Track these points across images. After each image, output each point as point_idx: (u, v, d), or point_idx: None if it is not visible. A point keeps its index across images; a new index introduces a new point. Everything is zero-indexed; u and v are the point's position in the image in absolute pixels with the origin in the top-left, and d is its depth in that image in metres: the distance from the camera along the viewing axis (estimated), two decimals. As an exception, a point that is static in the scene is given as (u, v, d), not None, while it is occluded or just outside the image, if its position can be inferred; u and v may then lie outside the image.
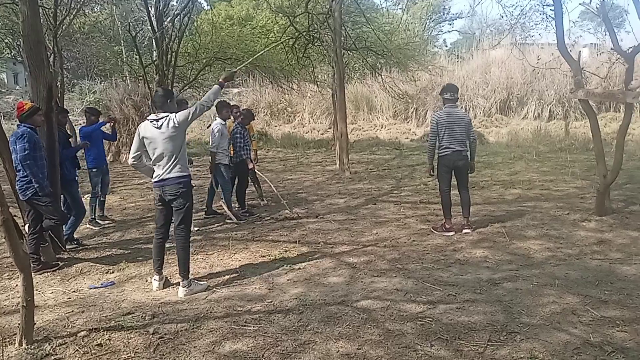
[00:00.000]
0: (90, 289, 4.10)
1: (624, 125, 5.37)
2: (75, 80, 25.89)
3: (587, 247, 4.71)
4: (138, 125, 5.95)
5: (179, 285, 3.92)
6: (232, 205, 6.59)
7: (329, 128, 19.19)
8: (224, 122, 6.43)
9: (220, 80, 4.07)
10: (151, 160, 3.88)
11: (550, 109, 19.08)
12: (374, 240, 5.20)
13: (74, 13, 13.26)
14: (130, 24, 12.77)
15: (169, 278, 4.17)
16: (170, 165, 3.81)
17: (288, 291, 3.81)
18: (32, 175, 4.32)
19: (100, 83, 24.02)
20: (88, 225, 6.33)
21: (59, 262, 4.68)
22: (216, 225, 6.27)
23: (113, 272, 4.48)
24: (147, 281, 4.18)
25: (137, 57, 12.07)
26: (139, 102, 14.94)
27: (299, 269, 4.32)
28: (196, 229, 5.99)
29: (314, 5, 12.46)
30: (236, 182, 6.82)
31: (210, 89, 4.04)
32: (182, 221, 3.93)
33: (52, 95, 4.73)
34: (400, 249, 4.84)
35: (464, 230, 5.37)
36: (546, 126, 16.49)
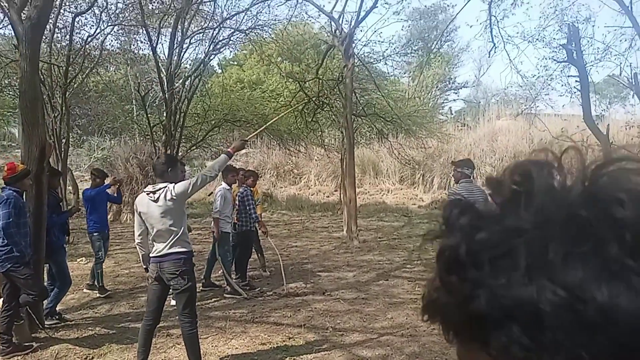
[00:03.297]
0: (63, 380, 3.55)
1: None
2: (85, 137, 26.11)
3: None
4: (141, 184, 5.58)
5: None
6: (232, 276, 6.09)
7: (335, 190, 18.90)
8: (229, 187, 6.06)
9: (228, 149, 3.72)
10: (150, 236, 3.48)
11: (559, 179, 18.81)
12: (390, 327, 4.64)
13: (86, 72, 13.38)
14: (140, 83, 12.78)
15: (155, 369, 3.63)
16: (170, 241, 3.40)
17: (292, 394, 3.26)
18: (13, 244, 3.90)
19: (110, 140, 24.17)
20: (98, 294, 5.86)
21: (33, 344, 4.14)
22: (213, 300, 5.74)
23: (93, 358, 3.92)
24: (129, 372, 3.63)
25: (145, 115, 11.99)
26: (144, 161, 14.79)
27: (305, 362, 3.77)
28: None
29: (324, 71, 12.53)
30: (237, 251, 6.37)
31: (217, 157, 3.67)
32: (186, 305, 3.47)
33: (44, 156, 4.39)
34: (419, 339, 4.28)
35: None
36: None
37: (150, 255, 3.48)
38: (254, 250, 6.96)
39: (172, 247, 3.39)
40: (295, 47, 22.82)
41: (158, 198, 3.38)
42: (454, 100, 38.66)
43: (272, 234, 11.26)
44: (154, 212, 3.39)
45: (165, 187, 3.39)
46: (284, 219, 14.47)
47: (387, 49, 13.83)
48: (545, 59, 6.38)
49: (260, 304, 5.51)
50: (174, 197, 3.37)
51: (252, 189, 6.50)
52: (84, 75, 13.42)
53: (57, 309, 4.96)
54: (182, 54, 12.32)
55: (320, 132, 15.29)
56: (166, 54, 12.18)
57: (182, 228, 3.44)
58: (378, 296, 5.76)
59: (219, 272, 6.54)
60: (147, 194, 3.43)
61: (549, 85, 6.97)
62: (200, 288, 6.17)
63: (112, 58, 16.56)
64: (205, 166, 26.58)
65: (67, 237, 5.00)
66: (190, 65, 14.89)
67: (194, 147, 15.59)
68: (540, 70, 6.98)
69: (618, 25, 5.61)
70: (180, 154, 13.55)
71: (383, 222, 13.41)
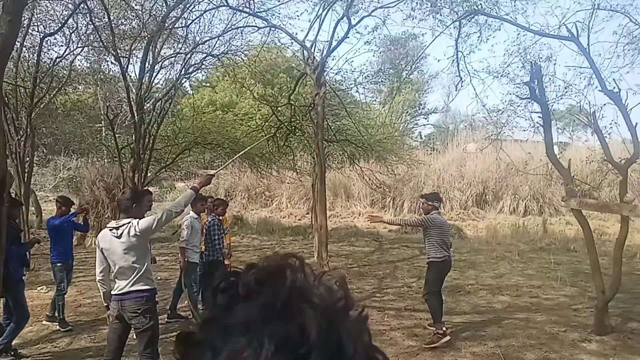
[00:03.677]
0: None
1: (620, 239, 5.15)
2: (51, 156, 25.44)
3: (593, 376, 4.24)
4: (107, 207, 5.50)
5: None
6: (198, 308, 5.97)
7: (307, 213, 18.90)
8: (196, 216, 5.98)
9: (194, 184, 3.69)
10: (112, 273, 3.38)
11: (525, 204, 19.34)
12: None
13: (53, 93, 13.08)
14: (109, 106, 12.58)
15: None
16: (133, 278, 3.32)
17: None
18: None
19: (77, 160, 23.57)
20: (59, 327, 5.64)
21: (-17, 384, 3.94)
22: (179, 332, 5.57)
23: (48, 400, 3.76)
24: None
25: (113, 138, 11.77)
26: (111, 184, 14.46)
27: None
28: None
29: (297, 96, 12.65)
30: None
31: (183, 193, 3.63)
32: (148, 344, 3.35)
33: (4, 187, 4.24)
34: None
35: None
36: (524, 222, 16.50)
37: (112, 292, 3.38)
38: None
39: (134, 284, 3.31)
40: (268, 70, 23.05)
41: (121, 234, 3.30)
42: (424, 125, 39.46)
43: (241, 260, 11.14)
44: (117, 249, 3.31)
45: (129, 222, 3.32)
46: (254, 243, 14.33)
47: (358, 77, 14.07)
48: (510, 94, 6.65)
49: (228, 336, 5.38)
50: (138, 233, 3.30)
51: (220, 217, 6.41)
52: (51, 96, 13.13)
53: (13, 343, 4.75)
54: (152, 77, 12.22)
55: (292, 156, 15.31)
56: (137, 77, 12.06)
57: (146, 265, 3.36)
58: (347, 327, 5.72)
59: (186, 302, 6.40)
60: (110, 230, 3.34)
61: (516, 116, 7.22)
62: (166, 319, 6.03)
63: (82, 78, 16.31)
64: (175, 187, 26.12)
65: (25, 270, 4.78)
66: (162, 86, 14.76)
67: (164, 170, 15.37)
68: (505, 104, 7.24)
69: (577, 65, 5.90)
70: (149, 175, 13.32)
71: (354, 247, 13.43)
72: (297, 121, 12.61)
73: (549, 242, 12.92)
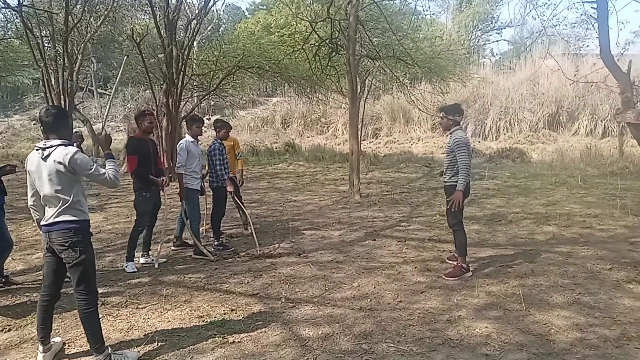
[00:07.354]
0: (-31, 354, 3.26)
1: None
2: (120, 88, 26.38)
3: (632, 326, 3.45)
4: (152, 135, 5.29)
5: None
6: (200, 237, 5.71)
7: (363, 140, 18.22)
8: (193, 140, 5.54)
9: (106, 151, 3.22)
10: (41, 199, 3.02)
11: (604, 125, 17.34)
12: (351, 297, 4.12)
13: (101, 19, 12.84)
14: (133, 28, 12.17)
15: (65, 345, 3.29)
16: (59, 208, 2.91)
17: (199, 382, 2.82)
18: None
19: (144, 91, 24.19)
20: None
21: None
22: (180, 261, 5.36)
23: (10, 330, 3.62)
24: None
25: (143, 62, 11.47)
26: (157, 113, 14.46)
27: (233, 342, 3.30)
28: (163, 260, 5.25)
29: (337, 10, 11.53)
30: (212, 209, 5.94)
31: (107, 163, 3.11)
32: (81, 280, 3.00)
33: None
34: (379, 314, 3.74)
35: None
36: (598, 144, 14.77)
37: (41, 224, 3.02)
38: (235, 207, 6.59)
39: (60, 215, 2.91)
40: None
41: (47, 156, 2.87)
42: (497, 41, 36.14)
43: (277, 186, 10.85)
44: (42, 173, 2.89)
45: (59, 146, 2.87)
46: (298, 170, 13.98)
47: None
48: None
49: (224, 266, 5.08)
50: (66, 165, 2.84)
51: (223, 141, 5.95)
52: (98, 23, 12.95)
53: (5, 271, 4.72)
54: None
55: (337, 78, 14.34)
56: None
57: (73, 196, 2.91)
58: (356, 259, 5.22)
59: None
60: (37, 150, 2.91)
61: (560, 14, 5.90)
62: (172, 248, 5.85)
63: (129, 5, 16.08)
64: (234, 117, 26.00)
65: (4, 197, 4.61)
66: (198, 6, 14.12)
67: (207, 96, 15.09)
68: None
69: None
70: (184, 99, 12.93)
71: (400, 173, 12.68)
72: (338, 38, 11.57)
73: (622, 167, 11.42)
